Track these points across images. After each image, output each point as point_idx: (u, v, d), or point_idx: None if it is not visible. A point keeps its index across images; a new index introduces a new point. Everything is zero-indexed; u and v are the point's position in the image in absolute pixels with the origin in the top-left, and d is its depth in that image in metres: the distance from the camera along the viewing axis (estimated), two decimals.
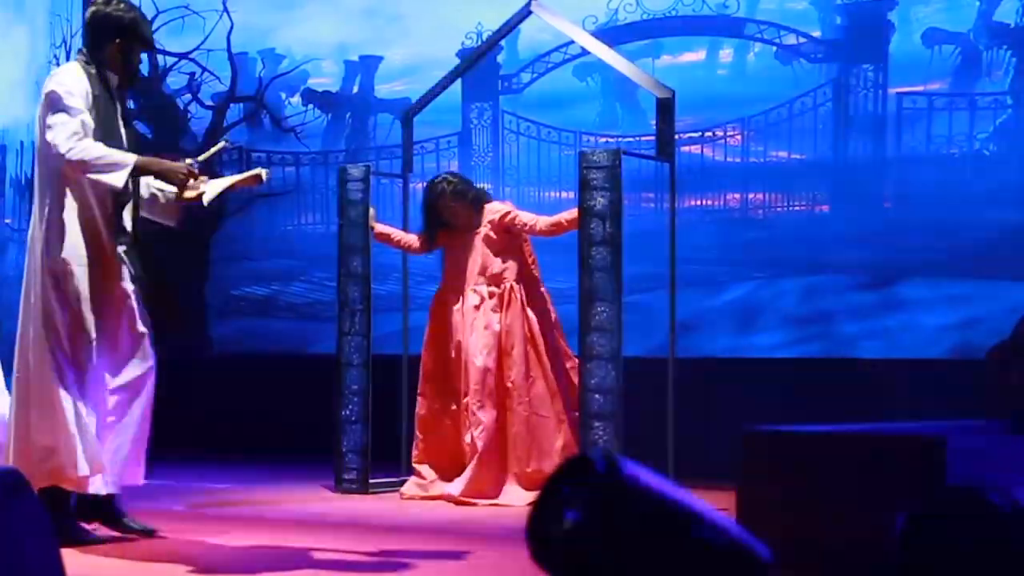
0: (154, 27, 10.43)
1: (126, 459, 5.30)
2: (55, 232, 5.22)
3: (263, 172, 5.54)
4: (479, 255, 7.13)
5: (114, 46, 5.38)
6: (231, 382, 9.57)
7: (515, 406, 6.95)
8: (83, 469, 5.11)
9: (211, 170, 5.74)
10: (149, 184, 5.46)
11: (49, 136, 5.15)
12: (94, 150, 5.14)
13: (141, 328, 5.36)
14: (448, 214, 7.21)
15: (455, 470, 7.10)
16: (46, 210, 5.25)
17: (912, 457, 4.60)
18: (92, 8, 5.47)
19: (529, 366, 6.99)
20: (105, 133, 5.25)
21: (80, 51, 5.49)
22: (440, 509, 6.81)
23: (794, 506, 4.76)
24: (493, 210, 7.16)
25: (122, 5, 5.44)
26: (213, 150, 5.62)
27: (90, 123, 5.21)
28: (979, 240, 7.60)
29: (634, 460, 2.29)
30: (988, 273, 7.56)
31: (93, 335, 5.21)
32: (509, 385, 6.98)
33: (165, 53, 10.18)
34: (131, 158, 5.18)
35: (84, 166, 5.13)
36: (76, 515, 5.30)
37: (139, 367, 5.34)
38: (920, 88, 7.96)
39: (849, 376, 7.64)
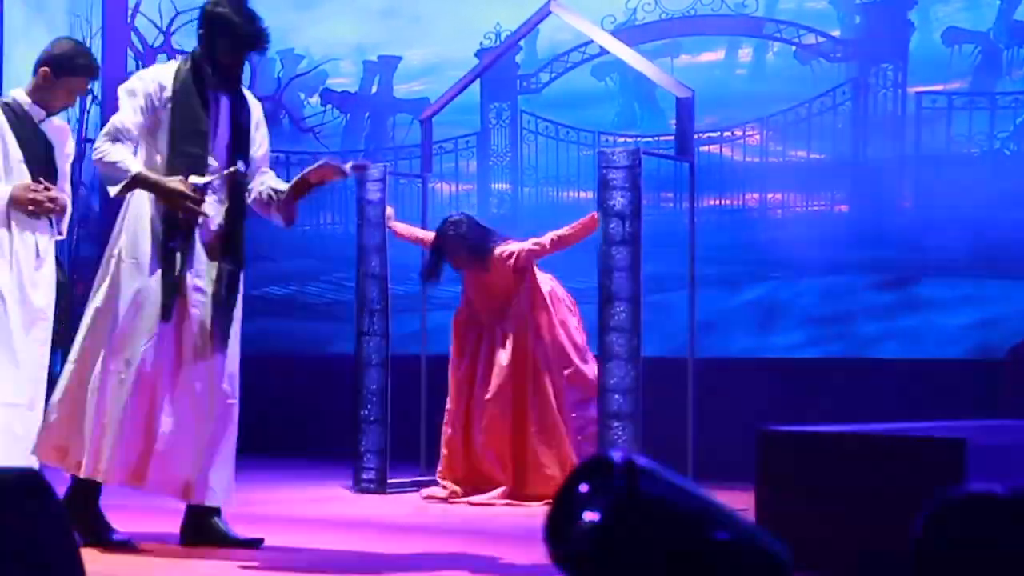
0: (173, 28, 10.54)
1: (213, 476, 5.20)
2: (118, 226, 5.20)
3: (346, 166, 5.31)
4: (489, 296, 7.13)
5: (213, 43, 5.22)
6: (249, 382, 9.51)
7: (530, 437, 7.00)
8: (100, 465, 5.06)
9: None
10: (264, 182, 5.33)
11: None
12: (109, 154, 5.07)
13: (204, 337, 5.19)
14: (449, 257, 7.18)
15: (479, 487, 7.11)
16: (123, 204, 5.24)
17: (932, 457, 4.59)
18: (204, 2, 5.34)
19: (536, 396, 7.01)
20: (184, 133, 5.13)
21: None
22: (457, 510, 6.81)
23: (813, 506, 4.75)
24: (505, 255, 7.08)
25: (227, 5, 5.21)
26: (217, 176, 5.17)
27: (132, 124, 5.11)
28: (999, 240, 7.57)
29: (653, 460, 2.29)
30: (1008, 273, 7.53)
31: (136, 334, 5.07)
32: (528, 421, 7.02)
33: (184, 54, 10.20)
34: (134, 169, 5.04)
35: (99, 168, 5.14)
36: (100, 514, 5.24)
37: (207, 380, 5.20)
38: (940, 87, 7.94)
39: (868, 376, 7.62)
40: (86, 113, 10.44)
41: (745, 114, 8.42)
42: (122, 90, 5.18)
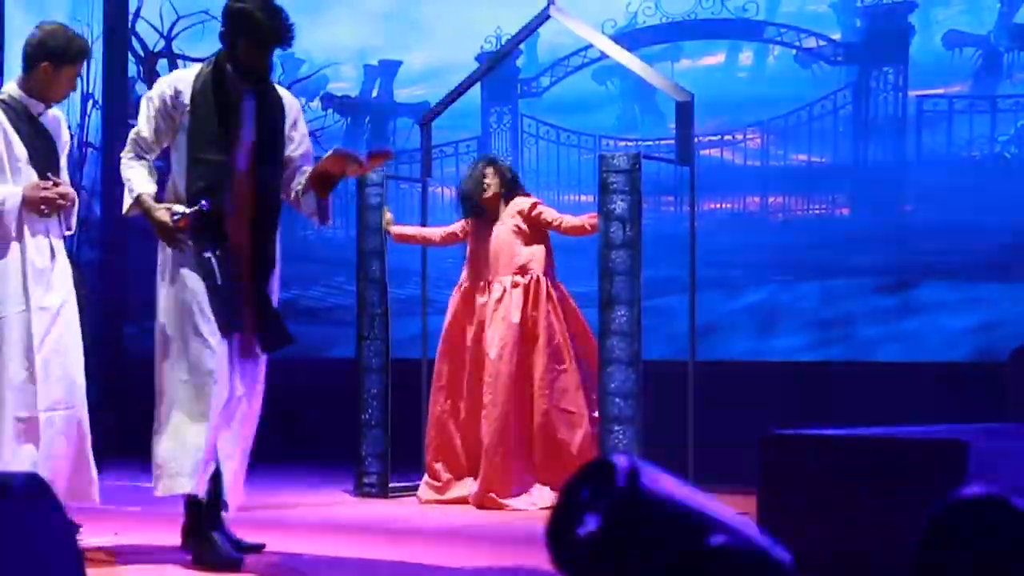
0: (173, 32, 10.54)
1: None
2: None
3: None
4: (505, 246, 7.09)
5: (235, 41, 5.05)
6: None
7: (537, 399, 6.93)
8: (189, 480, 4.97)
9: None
10: (301, 181, 5.17)
11: None
12: (124, 171, 5.10)
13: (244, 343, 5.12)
14: (481, 188, 7.15)
15: (470, 469, 7.09)
16: None
17: (933, 461, 4.58)
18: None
19: (552, 358, 6.95)
20: (200, 139, 5.02)
21: None
22: (459, 513, 6.81)
23: (815, 510, 4.74)
24: (519, 203, 7.13)
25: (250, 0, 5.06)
26: (194, 209, 4.97)
27: (149, 133, 5.08)
28: (1000, 243, 7.57)
29: (654, 464, 2.29)
30: (1009, 276, 7.53)
31: (187, 339, 4.99)
32: (535, 377, 6.95)
33: (185, 59, 10.20)
34: (137, 190, 5.03)
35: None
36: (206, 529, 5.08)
37: (245, 385, 5.16)
38: (941, 91, 7.94)
39: (869, 379, 7.62)
40: (87, 117, 10.44)
41: (746, 118, 8.43)
42: (144, 98, 5.14)
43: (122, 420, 9.82)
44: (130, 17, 10.39)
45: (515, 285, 7.01)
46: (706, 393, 6.90)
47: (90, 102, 10.44)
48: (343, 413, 7.72)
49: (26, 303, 5.21)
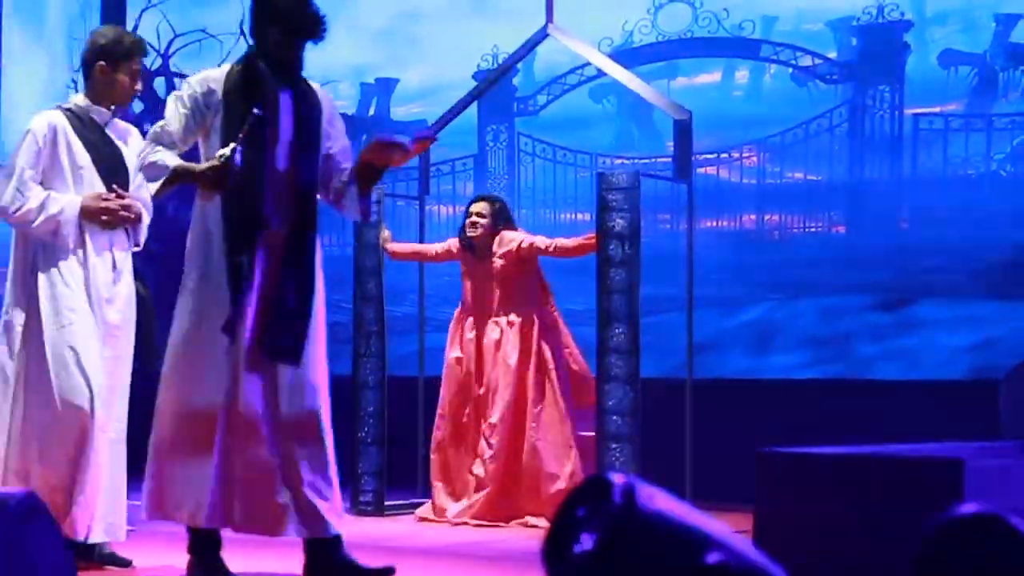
0: (171, 51, 10.54)
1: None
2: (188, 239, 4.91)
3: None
4: (498, 283, 7.13)
5: (265, 34, 4.84)
6: None
7: (527, 431, 6.98)
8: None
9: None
10: (339, 178, 4.92)
11: None
12: (147, 156, 4.77)
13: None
14: (470, 221, 7.19)
15: (469, 491, 7.11)
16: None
17: (930, 479, 4.58)
18: None
19: (539, 392, 7.01)
20: (231, 133, 4.71)
21: None
22: (454, 531, 6.80)
23: (811, 528, 4.74)
24: (508, 241, 7.14)
25: None
26: (240, 139, 4.65)
27: (175, 129, 4.77)
28: (996, 261, 7.58)
29: (651, 481, 2.29)
30: (1006, 294, 7.53)
31: (200, 354, 4.78)
32: (526, 410, 7.01)
33: (182, 76, 10.21)
34: (172, 164, 4.70)
35: (143, 173, 4.86)
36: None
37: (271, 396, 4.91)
38: (937, 109, 7.95)
39: (866, 397, 7.61)
40: None
41: (742, 136, 8.43)
42: (171, 96, 4.88)
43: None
44: None
45: (511, 324, 7.07)
46: (703, 411, 6.90)
47: None
48: (339, 431, 7.70)
49: (87, 316, 5.08)
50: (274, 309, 4.87)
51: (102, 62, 5.20)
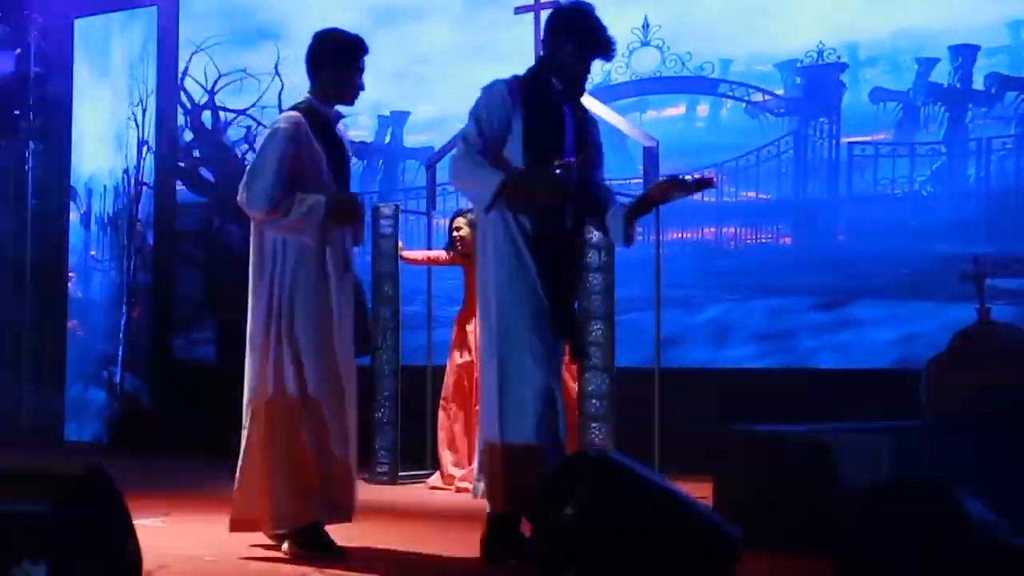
0: (216, 88, 10.54)
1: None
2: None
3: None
4: None
5: (560, 48, 4.42)
6: None
7: None
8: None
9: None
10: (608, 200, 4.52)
11: None
12: (471, 170, 4.36)
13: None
14: (454, 236, 7.21)
15: (469, 461, 7.10)
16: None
17: (860, 452, 4.60)
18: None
19: None
20: (533, 146, 4.30)
21: None
22: (460, 497, 6.80)
23: (762, 494, 4.75)
24: None
25: (579, 9, 4.42)
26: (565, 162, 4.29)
27: (475, 142, 4.35)
28: (918, 267, 7.60)
29: (625, 455, 2.30)
30: (926, 295, 7.54)
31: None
32: None
33: (226, 110, 10.21)
34: (499, 178, 4.24)
35: (460, 187, 4.59)
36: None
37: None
38: (868, 138, 7.96)
39: (808, 384, 7.62)
40: (142, 160, 10.43)
41: (703, 160, 8.43)
42: (470, 112, 4.45)
43: (170, 416, 9.80)
44: (179, 75, 10.40)
45: None
46: (670, 395, 6.91)
47: (144, 147, 10.44)
48: (360, 413, 7.69)
49: (327, 314, 4.66)
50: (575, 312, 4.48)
51: (326, 61, 4.76)
